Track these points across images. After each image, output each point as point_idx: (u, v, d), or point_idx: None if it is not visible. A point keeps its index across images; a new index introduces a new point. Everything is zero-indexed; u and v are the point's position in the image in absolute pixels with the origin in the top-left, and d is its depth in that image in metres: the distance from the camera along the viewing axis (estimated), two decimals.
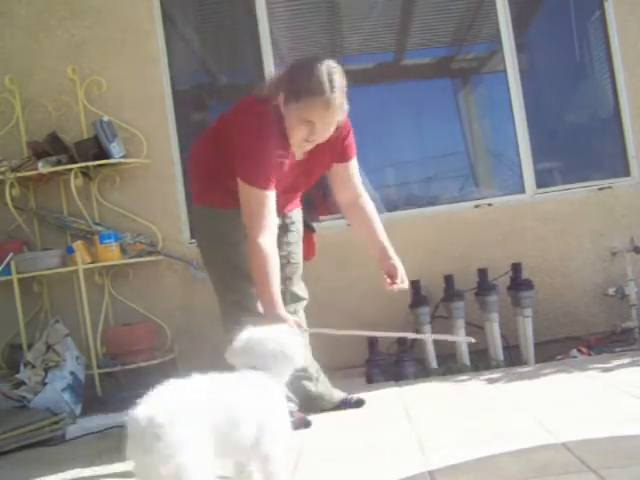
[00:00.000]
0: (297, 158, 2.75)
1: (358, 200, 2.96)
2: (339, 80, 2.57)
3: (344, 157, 2.88)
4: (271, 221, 2.61)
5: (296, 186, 2.88)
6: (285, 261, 3.02)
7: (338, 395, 3.18)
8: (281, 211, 2.88)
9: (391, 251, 2.87)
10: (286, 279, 3.03)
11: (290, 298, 3.05)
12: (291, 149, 2.69)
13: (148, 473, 1.58)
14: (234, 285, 2.81)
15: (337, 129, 2.70)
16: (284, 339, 2.02)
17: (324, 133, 2.64)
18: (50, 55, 4.36)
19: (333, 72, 2.57)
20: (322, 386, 3.14)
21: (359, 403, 3.16)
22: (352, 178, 2.94)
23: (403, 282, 2.80)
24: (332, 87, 2.54)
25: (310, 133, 2.61)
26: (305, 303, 3.14)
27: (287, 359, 2.00)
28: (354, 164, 2.94)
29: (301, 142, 2.66)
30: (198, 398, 1.70)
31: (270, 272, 2.54)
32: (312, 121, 2.58)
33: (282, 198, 2.76)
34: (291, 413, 2.47)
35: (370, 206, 2.97)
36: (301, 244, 3.13)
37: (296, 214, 3.09)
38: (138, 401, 1.63)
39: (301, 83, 2.55)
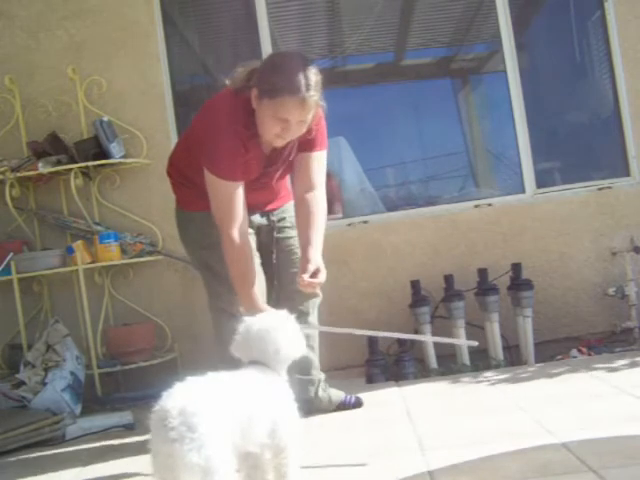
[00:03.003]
0: (265, 152, 2.72)
1: (307, 193, 2.78)
2: (314, 78, 2.54)
3: (308, 146, 2.77)
4: (240, 212, 2.59)
5: (266, 180, 2.83)
6: (291, 257, 2.99)
7: (337, 396, 3.17)
8: (261, 209, 2.87)
9: (314, 251, 2.65)
10: (295, 275, 2.97)
11: (303, 295, 2.88)
12: (259, 142, 2.66)
13: (173, 464, 1.56)
14: (217, 290, 2.80)
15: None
16: (282, 329, 2.00)
17: (298, 130, 2.61)
18: (50, 55, 4.36)
19: (309, 70, 2.53)
20: (321, 389, 3.13)
21: (358, 403, 3.16)
22: (309, 170, 2.79)
23: (315, 275, 2.59)
24: (308, 85, 2.50)
25: (284, 130, 2.57)
26: (319, 300, 3.03)
27: (287, 349, 1.98)
28: (318, 158, 2.81)
29: (274, 138, 2.61)
30: (220, 392, 1.72)
31: (244, 264, 2.51)
32: (287, 119, 2.54)
33: (256, 194, 2.74)
34: None
35: (318, 204, 2.78)
36: None
37: (285, 210, 3.02)
38: (161, 395, 1.62)
39: (276, 81, 2.51)
